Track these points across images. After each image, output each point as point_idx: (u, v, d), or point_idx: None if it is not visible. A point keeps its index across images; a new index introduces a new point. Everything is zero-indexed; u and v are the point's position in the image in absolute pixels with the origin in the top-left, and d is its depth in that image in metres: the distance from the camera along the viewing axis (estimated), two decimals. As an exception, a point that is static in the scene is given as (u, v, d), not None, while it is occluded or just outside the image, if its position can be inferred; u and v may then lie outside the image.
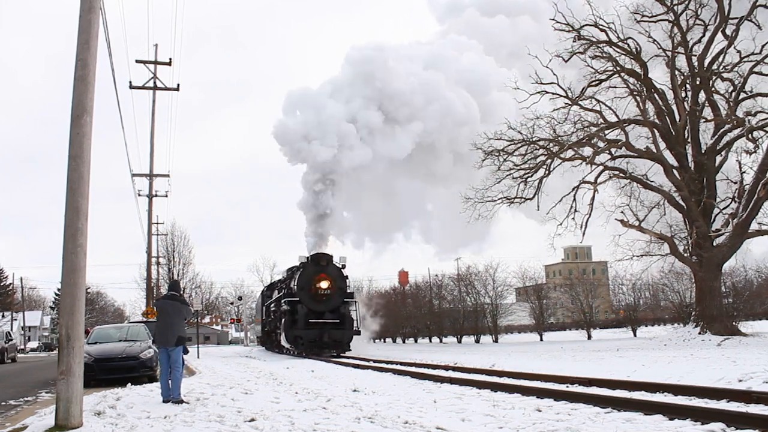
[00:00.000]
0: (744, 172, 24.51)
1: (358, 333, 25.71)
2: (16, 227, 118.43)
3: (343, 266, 25.93)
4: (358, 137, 27.62)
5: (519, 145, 25.59)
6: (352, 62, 29.03)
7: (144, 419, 7.32)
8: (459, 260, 53.34)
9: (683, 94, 25.40)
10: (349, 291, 26.09)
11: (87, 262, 6.99)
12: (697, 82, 24.83)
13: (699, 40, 25.02)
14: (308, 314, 24.69)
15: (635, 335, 38.77)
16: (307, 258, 25.88)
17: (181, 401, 8.86)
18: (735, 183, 24.92)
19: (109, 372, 13.53)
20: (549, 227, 25.98)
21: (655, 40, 24.86)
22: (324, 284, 24.93)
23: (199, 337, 33.30)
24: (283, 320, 26.03)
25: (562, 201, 25.55)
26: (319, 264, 25.48)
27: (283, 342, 26.07)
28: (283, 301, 26.84)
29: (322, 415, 7.32)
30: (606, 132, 25.41)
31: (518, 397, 8.51)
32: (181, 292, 9.87)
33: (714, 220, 25.19)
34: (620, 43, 24.72)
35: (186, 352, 9.91)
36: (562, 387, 9.44)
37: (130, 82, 23.64)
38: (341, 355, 24.23)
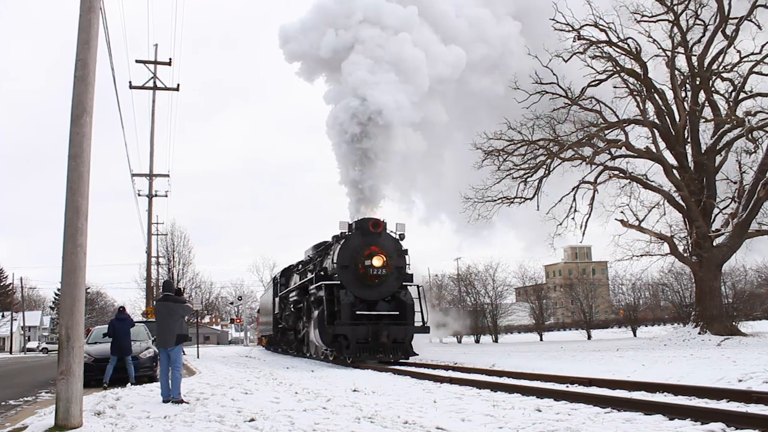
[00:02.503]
0: (744, 172, 24.53)
1: (427, 330, 18.80)
2: (16, 227, 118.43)
3: (401, 236, 18.79)
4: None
5: (519, 145, 25.61)
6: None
7: (144, 419, 7.32)
8: (459, 260, 53.39)
9: (683, 94, 25.41)
10: (409, 272, 18.86)
11: (87, 262, 6.99)
12: (697, 82, 24.83)
13: (699, 40, 25.02)
14: (354, 304, 17.69)
15: (635, 335, 38.81)
16: (350, 225, 18.60)
17: (181, 401, 8.86)
18: (735, 183, 24.93)
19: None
20: (549, 227, 26.02)
21: (655, 40, 24.89)
22: (377, 261, 17.66)
23: (199, 337, 33.30)
24: (315, 313, 19.02)
25: (562, 201, 25.59)
26: (369, 233, 18.12)
27: (317, 341, 18.94)
28: (313, 286, 19.36)
29: (322, 415, 7.32)
30: (606, 132, 25.42)
31: (518, 397, 8.51)
32: (176, 290, 9.87)
33: (714, 220, 25.19)
34: (620, 43, 24.73)
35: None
36: (562, 387, 9.43)
37: (130, 82, 23.66)
38: (403, 361, 17.42)
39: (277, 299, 28.50)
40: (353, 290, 17.81)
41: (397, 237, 18.70)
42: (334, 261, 18.13)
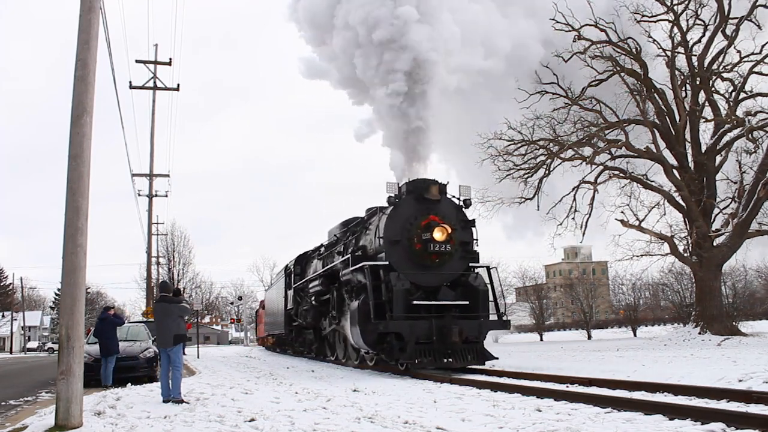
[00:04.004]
0: (744, 172, 24.52)
1: (507, 325, 14.81)
2: (16, 227, 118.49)
3: (466, 203, 14.82)
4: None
5: (519, 145, 25.61)
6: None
7: (144, 419, 7.32)
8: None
9: (683, 94, 25.41)
10: (476, 248, 14.83)
11: (87, 261, 7.00)
12: (697, 82, 24.83)
13: (699, 40, 25.03)
14: (410, 291, 13.49)
15: (635, 335, 38.82)
16: (400, 187, 14.39)
17: (182, 401, 8.89)
18: (735, 183, 24.93)
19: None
20: (549, 227, 26.00)
21: (655, 40, 24.90)
22: (439, 233, 13.60)
23: (199, 337, 33.26)
24: (351, 305, 14.30)
25: (562, 201, 25.59)
26: (425, 199, 14.09)
27: (355, 341, 14.24)
28: (348, 270, 14.76)
29: (322, 415, 7.32)
30: (606, 132, 25.42)
31: (518, 397, 8.51)
32: (174, 291, 9.97)
33: (714, 220, 25.19)
34: (620, 43, 24.74)
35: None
36: (562, 387, 9.43)
37: (130, 82, 23.66)
38: (476, 368, 13.31)
39: (290, 292, 24.02)
40: (407, 273, 13.60)
41: (461, 203, 14.69)
42: (380, 235, 13.84)
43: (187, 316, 9.92)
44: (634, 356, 16.38)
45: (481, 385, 10.10)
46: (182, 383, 9.56)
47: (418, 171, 15.69)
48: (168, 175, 28.38)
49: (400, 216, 13.98)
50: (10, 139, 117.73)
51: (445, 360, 12.99)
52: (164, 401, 8.95)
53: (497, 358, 13.65)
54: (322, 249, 19.95)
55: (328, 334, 18.26)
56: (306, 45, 21.06)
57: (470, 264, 14.59)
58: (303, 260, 22.79)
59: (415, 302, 13.34)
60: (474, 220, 14.89)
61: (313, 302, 19.17)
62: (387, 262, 13.65)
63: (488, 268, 15.00)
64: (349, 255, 15.08)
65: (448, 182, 14.55)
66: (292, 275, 23.59)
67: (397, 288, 13.19)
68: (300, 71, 20.62)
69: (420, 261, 13.78)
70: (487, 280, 14.68)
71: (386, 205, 14.31)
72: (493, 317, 14.38)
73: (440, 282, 14.01)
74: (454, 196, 14.75)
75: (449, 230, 13.72)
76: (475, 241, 14.67)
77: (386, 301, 13.20)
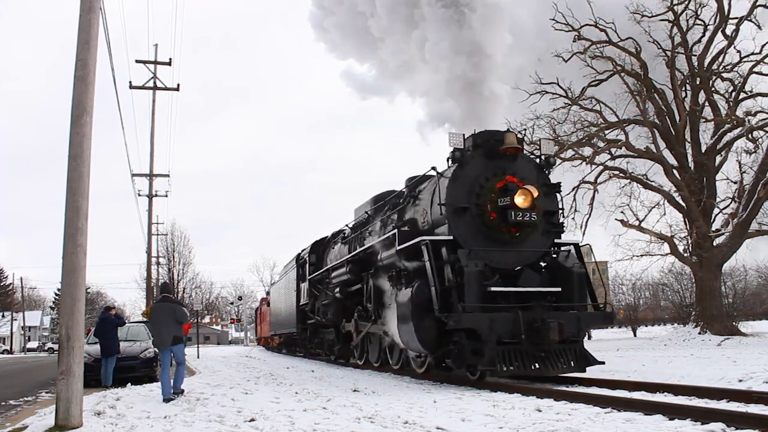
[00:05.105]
0: (744, 172, 24.54)
1: (611, 318, 11.30)
2: (16, 227, 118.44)
3: (548, 162, 11.74)
4: None
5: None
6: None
7: (144, 419, 7.33)
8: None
9: (683, 94, 25.43)
10: (561, 220, 11.59)
11: (87, 261, 7.01)
12: (697, 82, 24.85)
13: (699, 40, 25.05)
14: (486, 275, 10.32)
15: (635, 335, 38.81)
16: (465, 139, 11.11)
17: (182, 391, 9.41)
18: (735, 183, 24.95)
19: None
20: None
21: (655, 40, 24.90)
22: (521, 199, 10.44)
23: (199, 337, 33.24)
24: (402, 293, 10.90)
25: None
26: (497, 154, 10.98)
27: (404, 342, 10.94)
28: (393, 250, 11.56)
29: (322, 415, 7.32)
30: (606, 132, 25.43)
31: (518, 397, 8.50)
32: (174, 294, 10.32)
33: (714, 220, 25.21)
34: (620, 43, 24.74)
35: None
36: (562, 387, 9.43)
37: (130, 82, 23.63)
38: (576, 376, 10.32)
39: (304, 285, 20.78)
40: (477, 251, 10.34)
41: (540, 162, 11.57)
42: (440, 201, 10.68)
43: (185, 321, 10.16)
44: (634, 356, 16.38)
45: (480, 384, 10.04)
46: (182, 383, 9.90)
47: (484, 115, 11.70)
48: (168, 175, 28.34)
49: (466, 177, 10.74)
50: (10, 139, 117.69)
51: (534, 366, 9.78)
52: (164, 400, 9.03)
53: (603, 363, 10.45)
54: (347, 231, 17.23)
55: (357, 334, 15.22)
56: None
57: (555, 240, 11.36)
58: (320, 247, 19.83)
59: (492, 289, 10.15)
60: (559, 183, 11.74)
61: (337, 295, 16.02)
62: (451, 237, 10.45)
63: (577, 246, 11.65)
64: (393, 231, 11.77)
65: (525, 130, 10.88)
66: (307, 265, 20.44)
67: (470, 270, 9.92)
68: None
69: (495, 235, 10.61)
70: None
71: (449, 161, 11.01)
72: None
73: (519, 262, 10.83)
74: (531, 153, 12.11)
75: (534, 193, 10.54)
76: (560, 212, 11.59)
77: (452, 287, 9.97)
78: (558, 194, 11.67)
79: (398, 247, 11.27)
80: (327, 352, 18.96)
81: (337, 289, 16.01)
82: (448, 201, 10.61)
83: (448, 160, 11.12)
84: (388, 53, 14.78)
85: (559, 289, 10.69)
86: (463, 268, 9.95)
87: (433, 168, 11.29)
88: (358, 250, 14.56)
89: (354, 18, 15.35)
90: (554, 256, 11.25)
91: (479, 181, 10.75)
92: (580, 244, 11.88)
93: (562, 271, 10.91)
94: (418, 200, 12.09)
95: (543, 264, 11.27)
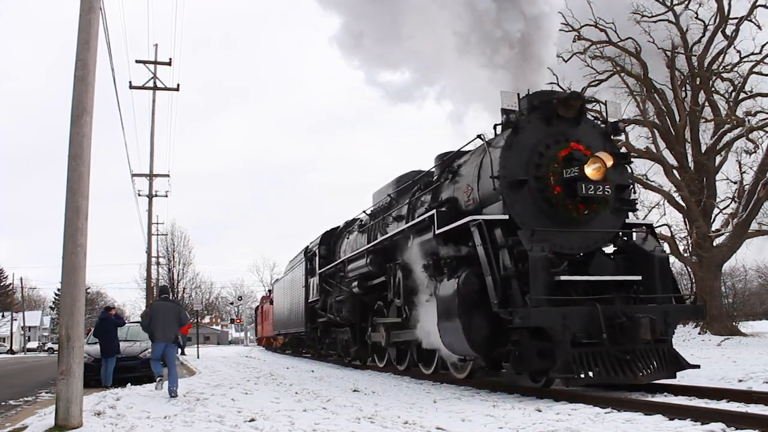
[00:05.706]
0: (744, 172, 24.53)
1: (702, 312, 10.06)
2: (16, 227, 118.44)
3: (615, 129, 10.08)
4: None
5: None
6: None
7: (144, 419, 7.33)
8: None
9: (683, 95, 25.43)
10: (633, 197, 10.03)
11: (87, 261, 7.00)
12: (697, 83, 24.84)
13: (699, 40, 25.04)
14: (553, 262, 8.44)
15: (635, 335, 38.74)
16: (520, 100, 9.32)
17: (176, 394, 9.43)
18: (735, 183, 24.95)
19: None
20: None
21: (654, 41, 24.91)
22: (592, 169, 8.61)
23: (199, 337, 33.23)
24: (445, 285, 8.97)
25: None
26: (558, 118, 9.16)
27: (448, 345, 9.06)
28: (430, 235, 9.93)
29: (322, 415, 7.33)
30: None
31: (518, 397, 8.51)
32: (172, 296, 10.44)
33: (714, 220, 25.21)
34: (620, 43, 24.74)
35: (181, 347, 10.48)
36: (562, 387, 9.42)
37: (130, 82, 23.63)
38: (672, 384, 8.67)
39: (313, 280, 19.18)
40: (540, 233, 8.59)
41: (609, 128, 9.83)
42: (493, 173, 8.95)
43: (186, 323, 10.28)
44: (634, 356, 16.34)
45: (480, 384, 10.03)
46: (182, 383, 10.04)
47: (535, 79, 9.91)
48: (168, 175, 28.36)
49: (523, 144, 9.02)
50: (10, 139, 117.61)
51: (617, 372, 7.96)
52: (172, 395, 9.30)
53: (698, 366, 8.85)
54: (364, 218, 15.62)
55: (379, 332, 13.77)
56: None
57: (626, 221, 9.73)
58: (331, 238, 18.26)
59: (561, 278, 8.34)
60: (629, 153, 9.71)
61: (355, 289, 14.57)
62: (507, 216, 8.75)
63: (651, 228, 10.33)
64: (431, 212, 9.97)
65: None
66: (317, 258, 18.78)
67: (535, 255, 8.14)
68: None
69: (559, 213, 8.87)
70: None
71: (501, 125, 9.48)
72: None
73: (587, 246, 9.05)
74: (596, 119, 10.66)
75: (608, 162, 8.80)
76: (632, 186, 9.99)
77: (512, 276, 8.18)
78: (628, 166, 10.09)
79: (437, 231, 9.61)
80: (341, 352, 17.53)
81: (355, 284, 14.59)
82: (502, 173, 8.86)
83: (495, 128, 9.65)
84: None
85: (640, 278, 8.92)
86: (524, 254, 8.21)
87: (479, 136, 9.76)
88: (381, 237, 12.90)
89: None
90: (626, 238, 9.51)
91: (539, 149, 8.99)
92: (654, 225, 10.07)
93: (640, 256, 9.12)
94: (458, 176, 10.45)
95: (612, 248, 9.57)
